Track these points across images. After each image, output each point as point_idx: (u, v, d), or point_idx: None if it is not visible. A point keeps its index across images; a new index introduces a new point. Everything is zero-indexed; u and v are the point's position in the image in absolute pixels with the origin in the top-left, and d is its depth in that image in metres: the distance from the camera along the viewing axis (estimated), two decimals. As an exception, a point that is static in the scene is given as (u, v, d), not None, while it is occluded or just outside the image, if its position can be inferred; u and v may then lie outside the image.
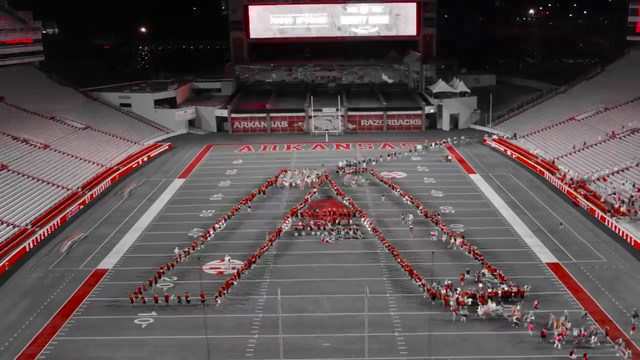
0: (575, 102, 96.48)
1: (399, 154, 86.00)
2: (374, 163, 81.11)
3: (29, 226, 59.69)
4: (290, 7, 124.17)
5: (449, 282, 45.78)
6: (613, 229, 57.19)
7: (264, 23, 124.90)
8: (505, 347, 38.56)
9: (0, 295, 47.14)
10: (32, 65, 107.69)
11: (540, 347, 38.34)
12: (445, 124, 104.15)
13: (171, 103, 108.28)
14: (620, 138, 77.50)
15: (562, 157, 78.49)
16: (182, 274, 49.34)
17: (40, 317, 43.49)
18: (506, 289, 44.44)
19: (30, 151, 77.60)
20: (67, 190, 70.55)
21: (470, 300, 43.17)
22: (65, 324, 42.44)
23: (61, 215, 63.28)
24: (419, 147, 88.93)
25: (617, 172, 68.31)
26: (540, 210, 63.49)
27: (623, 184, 64.66)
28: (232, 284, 46.75)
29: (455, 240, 53.72)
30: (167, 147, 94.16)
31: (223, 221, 59.42)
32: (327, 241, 55.35)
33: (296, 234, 57.15)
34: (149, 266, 50.57)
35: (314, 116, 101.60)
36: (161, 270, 49.06)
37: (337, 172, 76.45)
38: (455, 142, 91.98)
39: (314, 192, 67.68)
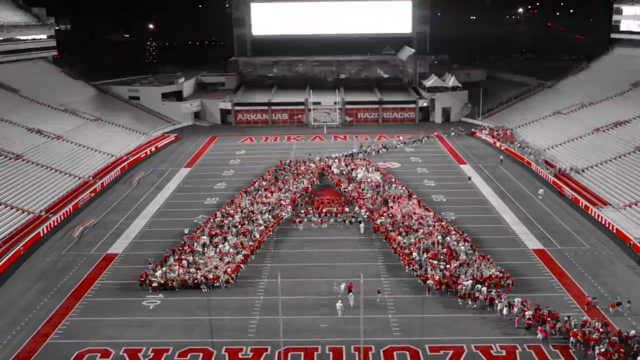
0: (561, 97, 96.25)
1: (396, 146, 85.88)
2: (373, 154, 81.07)
3: (43, 213, 59.71)
4: (290, 5, 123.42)
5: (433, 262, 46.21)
6: (596, 217, 57.22)
7: (266, 20, 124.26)
8: (493, 330, 38.61)
9: (16, 278, 47.25)
10: (45, 59, 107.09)
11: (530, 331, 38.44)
12: (437, 116, 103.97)
13: (178, 96, 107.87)
14: (604, 131, 77.48)
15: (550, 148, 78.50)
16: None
17: (53, 298, 43.60)
18: (493, 271, 44.51)
19: (44, 142, 77.40)
20: (79, 178, 70.48)
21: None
22: (77, 305, 42.56)
23: (73, 203, 63.23)
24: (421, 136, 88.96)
25: (601, 164, 68.40)
26: (527, 199, 63.47)
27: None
28: (241, 268, 46.96)
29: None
30: (173, 138, 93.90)
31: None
32: (315, 221, 55.30)
33: (295, 225, 56.50)
34: (156, 251, 50.58)
35: (313, 109, 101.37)
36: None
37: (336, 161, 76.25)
38: (452, 134, 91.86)
39: (314, 182, 67.63)
